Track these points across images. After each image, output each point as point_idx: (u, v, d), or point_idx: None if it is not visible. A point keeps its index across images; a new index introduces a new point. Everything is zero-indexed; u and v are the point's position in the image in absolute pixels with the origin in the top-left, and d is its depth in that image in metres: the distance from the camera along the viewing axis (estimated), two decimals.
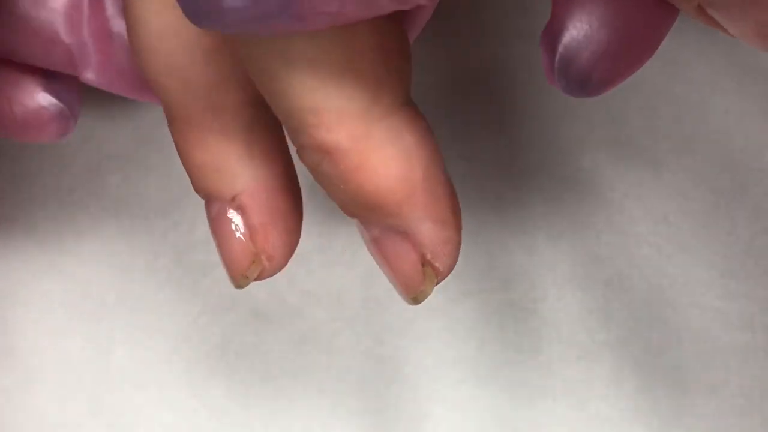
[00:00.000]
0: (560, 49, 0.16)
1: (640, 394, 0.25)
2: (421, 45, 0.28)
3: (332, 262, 0.26)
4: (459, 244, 0.17)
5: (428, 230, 0.16)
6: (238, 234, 0.18)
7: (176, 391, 0.25)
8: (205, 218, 0.26)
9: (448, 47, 0.28)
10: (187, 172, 0.18)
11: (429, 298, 0.26)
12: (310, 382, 0.25)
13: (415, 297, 0.17)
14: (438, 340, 0.25)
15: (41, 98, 0.22)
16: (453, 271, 0.26)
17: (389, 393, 0.25)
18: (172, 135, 0.18)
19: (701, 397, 0.25)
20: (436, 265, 0.17)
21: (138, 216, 0.26)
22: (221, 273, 0.26)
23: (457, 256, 0.17)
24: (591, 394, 0.25)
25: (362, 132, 0.16)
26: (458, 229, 0.17)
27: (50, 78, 0.22)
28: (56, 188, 0.27)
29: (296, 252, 0.26)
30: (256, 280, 0.18)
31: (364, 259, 0.26)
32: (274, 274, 0.18)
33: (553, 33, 0.16)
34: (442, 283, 0.26)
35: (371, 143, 0.16)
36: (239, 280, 0.18)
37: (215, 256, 0.26)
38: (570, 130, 0.27)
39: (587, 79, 0.16)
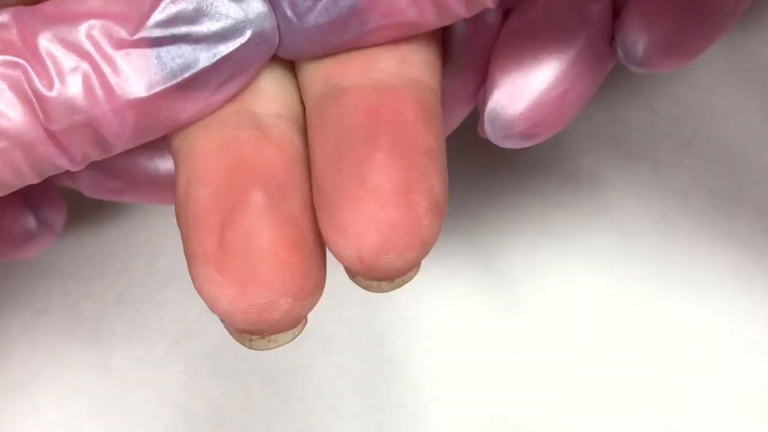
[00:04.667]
0: (489, 103, 0.19)
1: (641, 394, 0.25)
2: None
3: (332, 262, 0.26)
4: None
5: None
6: None
7: (176, 391, 0.25)
8: None
9: None
10: None
11: (429, 297, 0.26)
12: (310, 382, 0.25)
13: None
14: (438, 340, 0.25)
15: (26, 222, 0.21)
16: (453, 271, 0.26)
17: (389, 393, 0.25)
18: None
19: (701, 397, 0.25)
20: None
21: (138, 216, 0.26)
22: None
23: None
24: (591, 393, 0.25)
25: None
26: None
27: (34, 201, 0.21)
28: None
29: None
30: None
31: None
32: None
33: (485, 89, 0.19)
34: (442, 283, 0.26)
35: None
36: None
37: None
38: (570, 129, 0.27)
39: (508, 133, 0.19)
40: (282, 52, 0.17)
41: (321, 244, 0.17)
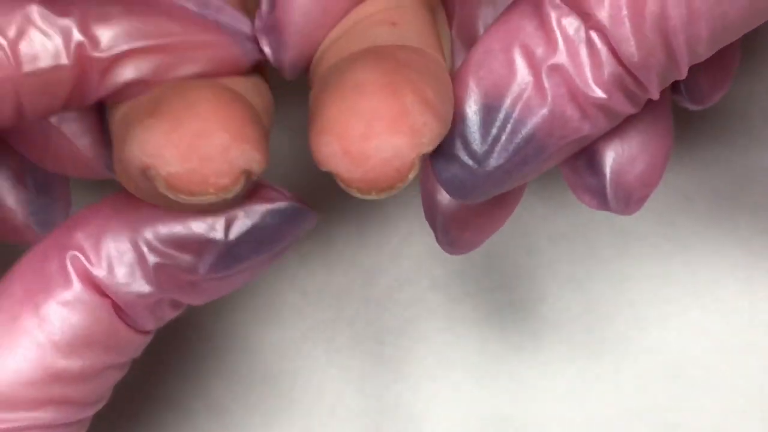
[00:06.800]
0: (608, 173, 0.18)
1: (640, 394, 0.25)
2: None
3: (332, 262, 0.26)
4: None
5: None
6: None
7: (176, 391, 0.25)
8: None
9: None
10: None
11: (429, 297, 0.26)
12: (310, 382, 0.25)
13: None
14: (438, 340, 0.25)
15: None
16: (453, 271, 0.26)
17: (389, 393, 0.25)
18: None
19: (702, 397, 0.25)
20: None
21: None
22: None
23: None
24: (591, 394, 0.25)
25: None
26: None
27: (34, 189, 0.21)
28: None
29: (296, 252, 0.26)
30: None
31: (364, 259, 0.26)
32: None
33: (593, 160, 0.18)
34: (442, 283, 0.26)
35: None
36: None
37: None
38: None
39: (629, 198, 0.18)
40: (468, 199, 0.17)
41: (265, 126, 0.16)
